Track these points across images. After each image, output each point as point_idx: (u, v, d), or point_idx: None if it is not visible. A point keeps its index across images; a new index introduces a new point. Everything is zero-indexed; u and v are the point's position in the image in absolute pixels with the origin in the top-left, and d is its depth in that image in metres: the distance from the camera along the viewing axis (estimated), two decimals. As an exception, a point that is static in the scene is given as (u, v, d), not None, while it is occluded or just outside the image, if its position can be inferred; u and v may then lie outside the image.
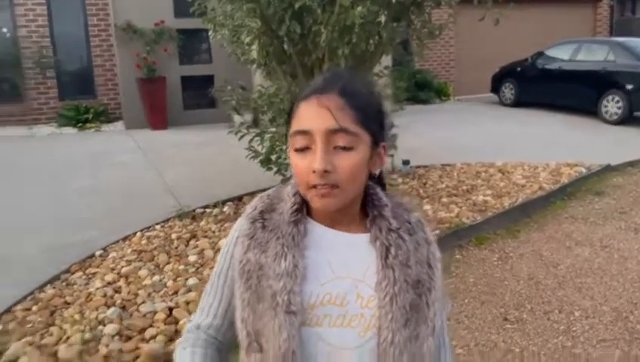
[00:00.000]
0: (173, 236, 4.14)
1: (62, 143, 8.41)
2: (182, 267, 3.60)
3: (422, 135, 8.32)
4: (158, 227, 4.35)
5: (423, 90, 12.44)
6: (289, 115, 0.95)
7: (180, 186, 5.56)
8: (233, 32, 4.29)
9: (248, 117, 5.09)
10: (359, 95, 0.94)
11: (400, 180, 5.76)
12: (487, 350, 2.90)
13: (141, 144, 7.89)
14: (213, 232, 4.21)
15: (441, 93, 12.73)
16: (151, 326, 2.91)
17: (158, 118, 9.24)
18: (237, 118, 5.08)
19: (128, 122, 9.56)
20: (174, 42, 9.42)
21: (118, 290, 3.31)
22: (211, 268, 3.60)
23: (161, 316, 2.99)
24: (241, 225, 1.00)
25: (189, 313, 3.03)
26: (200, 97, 9.30)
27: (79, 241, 4.13)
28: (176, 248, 3.91)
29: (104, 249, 3.95)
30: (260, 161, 4.65)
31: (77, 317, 3.01)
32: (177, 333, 2.87)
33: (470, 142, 7.74)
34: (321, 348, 0.92)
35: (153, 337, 2.81)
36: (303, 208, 0.98)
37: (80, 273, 3.58)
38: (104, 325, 2.90)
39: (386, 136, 0.99)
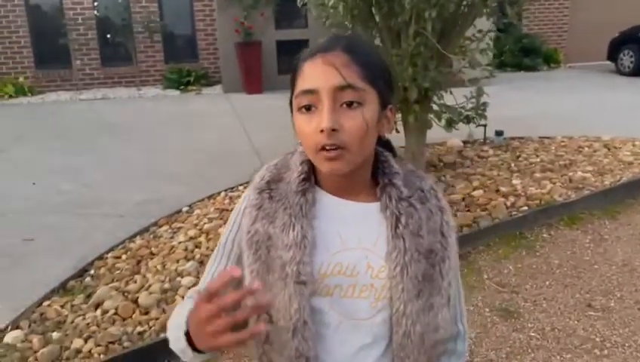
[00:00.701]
0: (254, 197, 4.26)
1: (165, 104, 8.92)
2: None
3: (523, 104, 7.81)
4: (241, 188, 4.50)
5: (529, 55, 11.63)
6: (292, 76, 0.91)
7: (266, 149, 5.69)
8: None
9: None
10: (364, 52, 0.90)
11: (491, 152, 5.47)
12: (564, 336, 2.72)
13: (236, 107, 8.16)
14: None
15: (550, 60, 11.83)
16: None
17: (253, 82, 9.47)
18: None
19: (226, 86, 9.91)
20: (271, 7, 9.52)
21: (198, 245, 3.49)
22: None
23: (234, 273, 3.11)
24: (248, 196, 0.98)
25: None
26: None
27: (169, 196, 4.39)
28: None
29: (190, 206, 4.17)
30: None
31: (159, 267, 3.22)
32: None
33: (576, 113, 7.14)
34: (332, 318, 0.91)
35: (225, 292, 2.93)
36: (311, 177, 0.95)
37: (166, 226, 3.81)
38: (182, 277, 3.08)
39: (393, 97, 0.94)
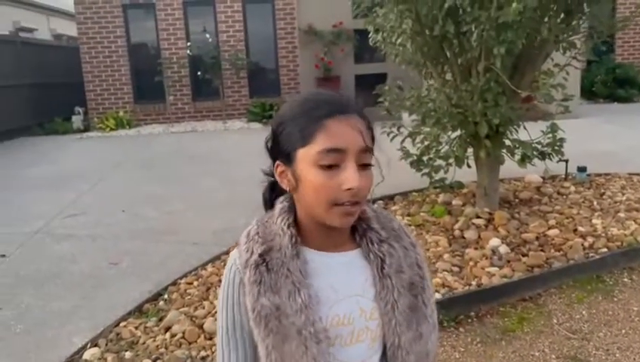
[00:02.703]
0: (322, 229, 4.35)
1: (247, 136, 9.35)
2: (323, 260, 3.77)
3: (612, 138, 7.40)
4: (310, 220, 4.61)
5: (623, 86, 10.99)
6: (308, 130, 0.93)
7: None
8: (390, 32, 4.33)
9: (413, 117, 5.05)
10: (368, 117, 0.97)
11: (572, 189, 5.22)
12: (638, 391, 2.53)
13: (313, 140, 8.38)
14: (359, 229, 4.32)
15: (646, 91, 11.11)
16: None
17: (331, 115, 9.70)
18: (405, 117, 5.08)
19: (305, 118, 10.21)
20: (351, 42, 9.78)
21: (264, 275, 3.62)
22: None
23: (295, 304, 3.20)
24: (240, 274, 0.97)
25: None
26: (371, 95, 9.53)
27: (242, 225, 4.58)
28: (322, 241, 4.11)
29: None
30: (410, 163, 4.63)
31: (226, 295, 3.37)
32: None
33: (673, 148, 6.64)
34: None
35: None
36: (298, 239, 0.98)
37: (236, 256, 3.99)
38: (246, 305, 3.21)
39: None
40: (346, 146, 0.90)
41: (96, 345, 2.94)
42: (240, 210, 5.10)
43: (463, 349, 2.90)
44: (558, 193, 5.13)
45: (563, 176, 5.57)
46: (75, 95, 11.60)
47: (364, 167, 0.92)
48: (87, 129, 11.35)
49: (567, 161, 5.23)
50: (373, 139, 0.96)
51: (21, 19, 14.55)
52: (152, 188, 6.15)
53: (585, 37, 4.08)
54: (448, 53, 4.25)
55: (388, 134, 4.71)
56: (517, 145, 4.38)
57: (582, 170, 5.54)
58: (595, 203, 4.78)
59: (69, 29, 14.04)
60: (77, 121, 11.61)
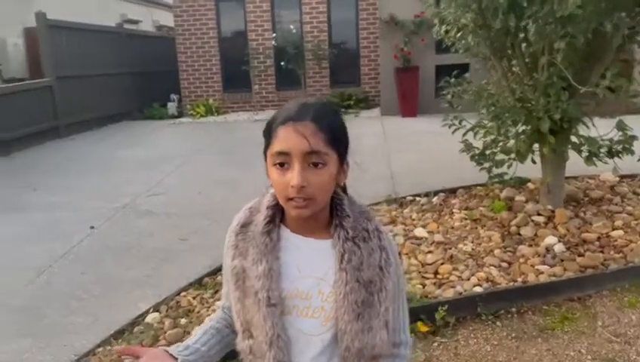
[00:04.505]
0: (377, 218, 4.47)
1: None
2: (372, 248, 3.91)
3: None
4: (365, 209, 4.75)
5: None
6: (267, 134, 1.12)
7: (402, 172, 5.87)
8: (453, 25, 4.32)
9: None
10: (328, 121, 1.09)
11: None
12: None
13: (386, 130, 8.45)
14: (413, 220, 4.41)
15: None
16: (327, 293, 3.32)
17: (408, 105, 9.69)
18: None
19: (384, 109, 10.28)
20: (432, 32, 9.65)
21: (314, 259, 3.83)
22: (398, 253, 3.83)
23: (337, 287, 3.38)
24: (228, 237, 1.21)
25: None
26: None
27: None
28: (374, 230, 4.24)
29: (317, 222, 4.54)
30: (471, 156, 4.61)
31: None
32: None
33: None
34: (294, 334, 1.13)
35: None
36: (275, 219, 1.17)
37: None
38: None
39: (348, 154, 1.15)
40: (289, 149, 1.05)
41: (157, 311, 3.31)
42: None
43: (496, 343, 2.93)
44: (634, 193, 4.86)
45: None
46: (172, 83, 12.45)
47: (315, 165, 1.06)
48: (180, 115, 12.17)
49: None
50: (330, 139, 1.07)
51: (127, 12, 15.79)
52: (229, 171, 6.57)
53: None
54: (513, 47, 4.17)
55: (449, 127, 4.72)
56: (583, 142, 4.22)
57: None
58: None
59: (170, 20, 15.01)
60: (172, 107, 12.47)
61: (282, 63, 11.36)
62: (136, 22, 15.98)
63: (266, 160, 1.13)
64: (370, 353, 1.12)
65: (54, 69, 9.98)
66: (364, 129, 8.79)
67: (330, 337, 1.13)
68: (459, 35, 4.05)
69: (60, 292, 3.62)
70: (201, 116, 11.59)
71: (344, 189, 1.22)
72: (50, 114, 9.85)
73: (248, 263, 1.14)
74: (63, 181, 6.59)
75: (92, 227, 4.80)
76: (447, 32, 4.37)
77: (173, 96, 12.61)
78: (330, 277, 1.13)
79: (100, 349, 2.95)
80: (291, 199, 1.07)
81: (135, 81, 12.52)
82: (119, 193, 5.87)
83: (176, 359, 1.16)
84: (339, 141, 1.11)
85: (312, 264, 1.14)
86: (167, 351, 1.17)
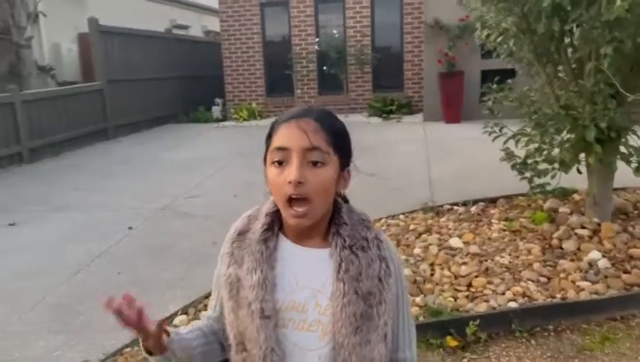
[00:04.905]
0: (412, 227, 4.38)
1: (365, 131, 9.50)
2: (404, 257, 3.82)
3: None
4: (402, 216, 4.66)
5: None
6: (268, 135, 1.10)
7: (442, 180, 5.73)
8: (495, 30, 4.19)
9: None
10: (331, 123, 1.07)
11: None
12: None
13: (428, 135, 8.30)
14: (449, 229, 4.28)
15: None
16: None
17: (452, 111, 9.49)
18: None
19: (427, 114, 10.11)
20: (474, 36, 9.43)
21: (344, 266, 3.77)
22: (430, 263, 3.73)
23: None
24: (225, 244, 1.17)
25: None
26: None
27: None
28: (407, 239, 4.15)
29: (350, 229, 4.48)
30: (512, 165, 4.45)
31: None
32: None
33: None
34: (290, 348, 1.08)
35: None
36: (274, 227, 1.12)
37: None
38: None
39: (350, 163, 1.10)
40: (289, 145, 1.03)
41: (185, 313, 3.33)
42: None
43: (529, 362, 2.80)
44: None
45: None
46: (218, 87, 12.66)
47: (314, 164, 1.03)
48: (224, 118, 12.36)
49: None
50: (332, 140, 1.05)
51: (177, 17, 16.19)
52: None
53: None
54: (558, 51, 4.00)
55: (490, 134, 4.57)
56: (633, 153, 3.99)
57: None
58: None
59: (218, 25, 15.27)
60: (216, 111, 12.68)
61: (325, 68, 11.36)
62: (185, 27, 16.36)
63: (265, 163, 1.10)
64: None
65: (105, 73, 10.34)
66: (404, 134, 8.67)
67: (328, 352, 1.07)
68: (499, 39, 3.90)
69: (94, 291, 3.70)
70: (244, 120, 11.72)
71: (345, 199, 1.18)
72: (99, 116, 10.20)
73: (243, 272, 1.10)
74: (107, 182, 6.79)
75: (130, 228, 4.91)
76: (488, 36, 4.23)
77: (218, 100, 12.82)
78: (327, 288, 1.07)
79: (128, 349, 3.00)
80: (290, 205, 1.03)
81: (182, 85, 12.81)
82: (159, 194, 6.00)
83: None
84: (340, 144, 1.08)
85: (309, 274, 1.10)
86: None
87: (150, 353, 1.09)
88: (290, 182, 1.02)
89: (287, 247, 1.12)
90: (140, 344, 1.09)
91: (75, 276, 3.96)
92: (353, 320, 1.04)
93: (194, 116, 12.48)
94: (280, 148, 1.04)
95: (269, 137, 1.09)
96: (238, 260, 1.11)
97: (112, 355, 2.95)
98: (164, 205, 5.60)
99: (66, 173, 7.49)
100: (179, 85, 12.72)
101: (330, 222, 1.12)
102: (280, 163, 1.04)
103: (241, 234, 1.14)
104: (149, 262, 4.20)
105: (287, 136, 1.04)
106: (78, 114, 9.60)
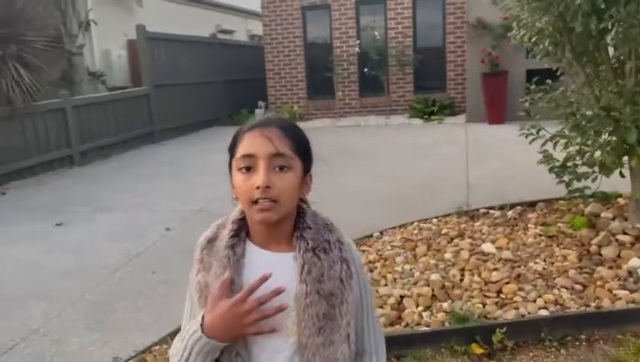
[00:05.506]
0: (444, 231, 4.31)
1: (404, 132, 9.43)
2: (434, 261, 3.77)
3: None
4: (435, 220, 4.59)
5: None
6: (232, 144, 1.14)
7: (479, 183, 5.61)
8: (530, 30, 4.08)
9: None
10: (293, 131, 1.13)
11: None
12: None
13: (470, 137, 8.14)
14: (482, 234, 4.19)
15: None
16: (381, 307, 3.24)
17: (495, 112, 9.27)
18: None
19: (469, 115, 9.92)
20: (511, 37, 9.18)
21: (372, 270, 3.76)
22: (461, 269, 3.67)
23: (392, 301, 3.29)
24: (195, 252, 1.20)
25: (417, 305, 3.23)
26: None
27: (369, 220, 4.77)
28: (439, 243, 4.09)
29: (381, 232, 4.46)
30: (550, 168, 4.31)
31: (332, 284, 3.59)
32: (399, 319, 3.13)
33: None
34: (256, 352, 1.11)
35: (378, 317, 3.13)
36: (240, 233, 1.16)
37: (353, 248, 4.18)
38: (347, 296, 3.39)
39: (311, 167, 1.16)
40: (255, 151, 1.08)
41: (213, 313, 3.40)
42: (369, 204, 5.28)
43: (558, 372, 2.71)
44: None
45: None
46: (261, 90, 12.85)
47: (280, 169, 1.07)
48: (266, 121, 12.50)
49: None
50: (295, 146, 1.10)
51: (222, 23, 16.53)
52: (302, 178, 6.65)
53: None
54: (598, 51, 3.85)
55: (526, 136, 4.45)
56: (678, 155, 3.79)
57: None
58: None
59: (262, 29, 15.49)
60: (259, 113, 12.85)
61: (365, 70, 11.33)
62: (230, 32, 16.68)
63: (230, 171, 1.14)
64: None
65: (152, 78, 10.69)
66: (445, 136, 8.54)
67: (292, 354, 1.10)
68: (534, 39, 3.79)
69: (130, 290, 3.84)
70: (286, 122, 11.82)
71: (306, 202, 1.23)
72: (146, 120, 10.55)
73: (211, 277, 1.12)
74: (150, 183, 7.02)
75: (167, 229, 5.05)
76: (523, 36, 4.12)
77: (261, 103, 13.00)
78: (292, 290, 1.10)
79: (157, 347, 3.09)
80: (256, 202, 1.07)
81: (226, 89, 13.07)
82: (198, 196, 6.14)
83: None
84: (303, 151, 1.13)
85: (275, 278, 1.10)
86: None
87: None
88: (258, 187, 1.06)
89: (253, 252, 1.15)
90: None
91: (113, 275, 4.12)
92: (316, 321, 1.08)
93: (237, 119, 12.70)
94: (247, 156, 1.09)
95: (233, 147, 1.13)
96: (207, 266, 1.15)
97: (141, 352, 3.05)
98: (201, 207, 5.73)
99: (113, 176, 7.79)
100: (223, 89, 12.99)
101: (295, 226, 1.16)
102: (247, 169, 1.09)
103: (210, 241, 1.18)
104: (184, 263, 4.27)
105: (253, 143, 1.09)
106: (126, 118, 9.96)
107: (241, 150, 1.10)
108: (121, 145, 9.68)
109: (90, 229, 5.27)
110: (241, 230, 1.16)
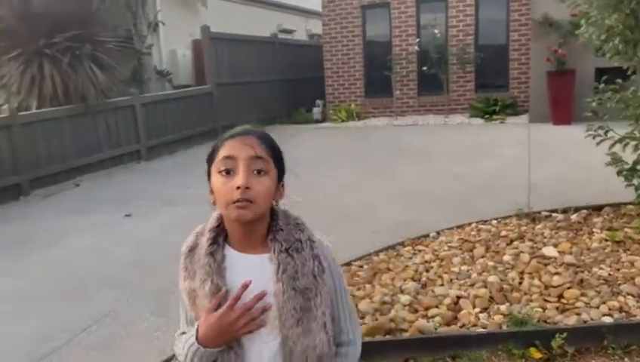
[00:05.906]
0: (503, 233, 4.24)
1: (464, 132, 9.27)
2: (492, 263, 3.72)
3: None
4: (494, 222, 4.52)
5: None
6: (211, 152, 1.24)
7: (541, 184, 5.46)
8: (597, 29, 3.94)
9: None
10: (270, 141, 1.25)
11: None
12: None
13: (533, 138, 7.91)
14: (544, 237, 4.09)
15: None
16: (436, 306, 3.24)
17: (560, 112, 8.95)
18: None
19: (532, 115, 9.63)
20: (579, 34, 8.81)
21: (428, 269, 3.75)
22: (520, 272, 3.60)
23: (448, 301, 3.28)
24: (179, 259, 1.30)
25: (473, 306, 3.21)
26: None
27: (426, 220, 4.75)
28: (498, 245, 4.03)
29: (438, 232, 4.43)
30: (619, 171, 4.15)
31: (388, 281, 3.63)
32: (455, 319, 3.12)
33: None
34: (246, 345, 1.23)
35: (432, 316, 3.14)
36: (218, 239, 1.26)
37: (410, 247, 4.19)
38: (402, 294, 3.41)
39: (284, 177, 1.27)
40: (236, 154, 1.18)
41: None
42: (427, 204, 5.25)
43: (620, 382, 2.62)
44: None
45: None
46: (319, 89, 12.97)
47: (258, 173, 1.18)
48: (323, 120, 12.63)
49: None
50: (272, 154, 1.21)
51: (283, 22, 16.78)
52: (357, 176, 6.69)
53: None
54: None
55: (593, 137, 4.30)
56: None
57: None
58: None
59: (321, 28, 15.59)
60: (317, 112, 12.99)
61: (424, 68, 11.21)
62: (290, 31, 16.91)
63: (209, 179, 1.23)
64: (313, 355, 1.21)
65: (214, 77, 11.03)
66: (507, 136, 8.34)
67: (277, 345, 1.21)
68: (603, 37, 3.66)
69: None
70: (342, 121, 11.90)
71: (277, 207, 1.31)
72: (209, 117, 10.90)
73: (196, 284, 1.23)
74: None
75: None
76: (591, 33, 3.98)
77: (319, 102, 13.12)
78: (271, 288, 1.21)
79: (218, 335, 3.22)
80: (234, 202, 1.16)
81: (285, 87, 13.29)
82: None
83: None
84: (278, 159, 1.24)
85: (255, 279, 1.21)
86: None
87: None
88: (238, 188, 1.15)
89: (233, 256, 1.25)
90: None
91: (176, 264, 4.31)
92: (294, 313, 1.20)
93: (295, 117, 12.89)
94: (227, 157, 1.18)
95: (212, 154, 1.23)
96: (191, 274, 1.25)
97: (203, 339, 3.19)
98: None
99: (177, 170, 8.12)
100: (282, 87, 13.21)
101: (269, 229, 1.26)
102: (227, 172, 1.18)
103: (191, 250, 1.28)
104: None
105: (234, 147, 1.19)
106: (190, 115, 10.34)
107: (221, 154, 1.20)
108: (185, 141, 10.05)
109: (156, 221, 5.54)
110: (219, 236, 1.27)
